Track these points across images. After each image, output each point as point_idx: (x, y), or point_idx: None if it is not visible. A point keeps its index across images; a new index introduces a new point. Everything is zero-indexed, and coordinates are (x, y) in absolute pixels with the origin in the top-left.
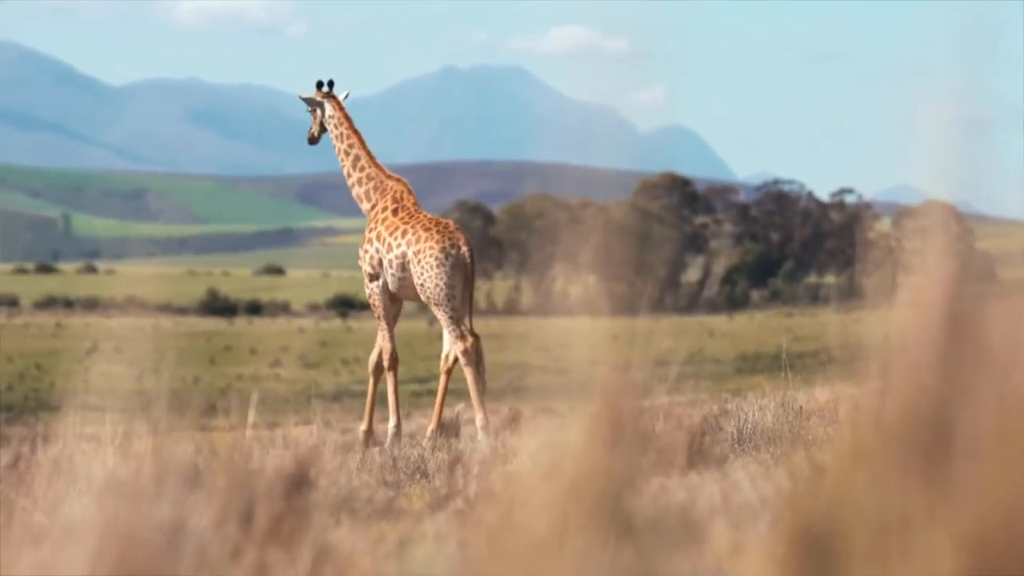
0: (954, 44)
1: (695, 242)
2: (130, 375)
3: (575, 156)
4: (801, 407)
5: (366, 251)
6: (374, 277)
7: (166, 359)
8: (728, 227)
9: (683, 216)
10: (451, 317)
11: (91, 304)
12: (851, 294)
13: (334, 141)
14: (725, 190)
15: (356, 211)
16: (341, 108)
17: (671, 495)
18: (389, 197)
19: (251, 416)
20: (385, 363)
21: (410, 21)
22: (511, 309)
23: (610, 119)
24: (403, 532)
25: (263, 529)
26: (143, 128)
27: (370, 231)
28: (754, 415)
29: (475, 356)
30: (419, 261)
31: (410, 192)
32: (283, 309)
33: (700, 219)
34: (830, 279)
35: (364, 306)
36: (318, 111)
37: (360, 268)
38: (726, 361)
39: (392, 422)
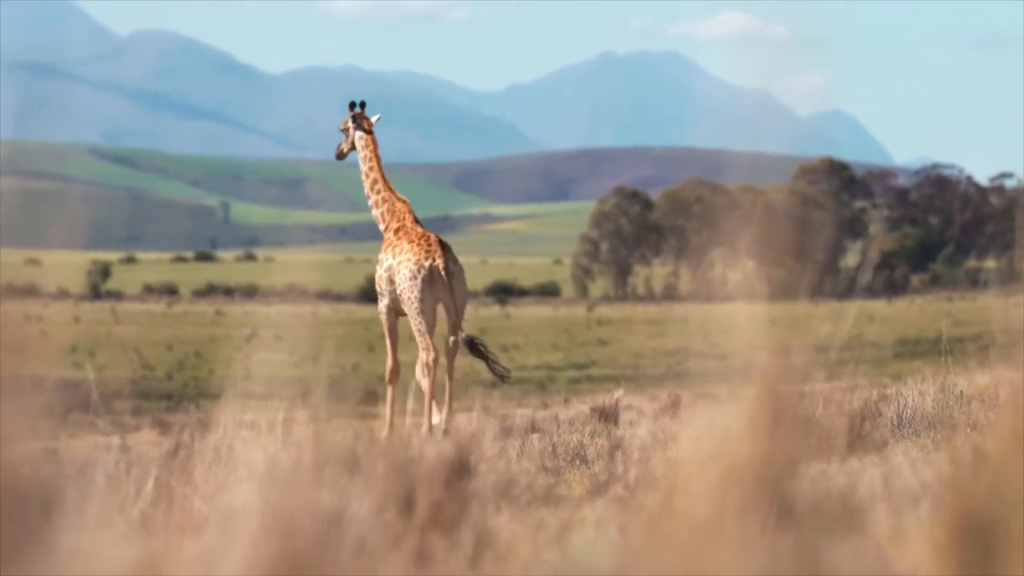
0: None
1: (854, 227)
2: (289, 362)
3: (734, 141)
4: (961, 392)
5: (376, 272)
6: (382, 297)
7: (325, 346)
8: (887, 212)
9: (842, 201)
10: (418, 328)
11: (250, 292)
12: (1011, 278)
13: (360, 162)
14: (884, 174)
15: (516, 198)
16: (370, 131)
17: (831, 480)
18: (395, 219)
19: (410, 403)
20: (387, 376)
21: (570, 7)
22: (670, 295)
23: (769, 105)
24: (563, 518)
25: (423, 516)
26: (302, 116)
27: (381, 253)
28: (914, 400)
29: (450, 362)
30: (398, 272)
31: (410, 211)
32: None
33: (859, 204)
34: (990, 263)
35: (523, 292)
36: (351, 130)
37: (377, 284)
38: (886, 346)
39: (384, 432)
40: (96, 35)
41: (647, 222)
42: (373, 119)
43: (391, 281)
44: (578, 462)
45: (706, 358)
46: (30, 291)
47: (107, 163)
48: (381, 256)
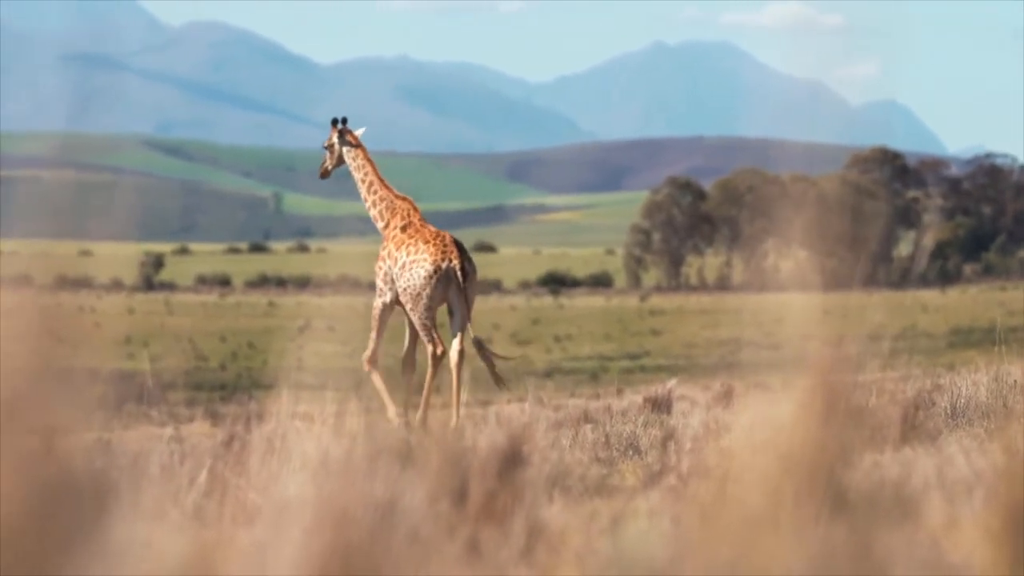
0: None
1: (906, 216)
2: (342, 353)
3: (787, 131)
4: (1015, 381)
5: (380, 268)
6: (383, 293)
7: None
8: (939, 201)
9: (895, 190)
10: (423, 324)
11: (303, 282)
12: None
13: (352, 172)
14: (936, 164)
15: (569, 188)
16: (357, 141)
17: (885, 470)
18: (399, 216)
19: (463, 393)
20: (364, 365)
21: None
22: (722, 285)
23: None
24: (616, 509)
25: (476, 506)
26: (354, 107)
27: (383, 248)
28: (968, 389)
29: (459, 363)
30: (412, 270)
31: (416, 209)
32: (494, 287)
33: (912, 193)
34: None
35: (576, 283)
36: (336, 146)
37: (377, 280)
38: (939, 336)
39: (391, 411)
40: (149, 27)
41: (700, 212)
42: (358, 132)
43: (401, 278)
44: (631, 452)
45: (759, 348)
46: (84, 283)
47: (159, 154)
48: (395, 253)
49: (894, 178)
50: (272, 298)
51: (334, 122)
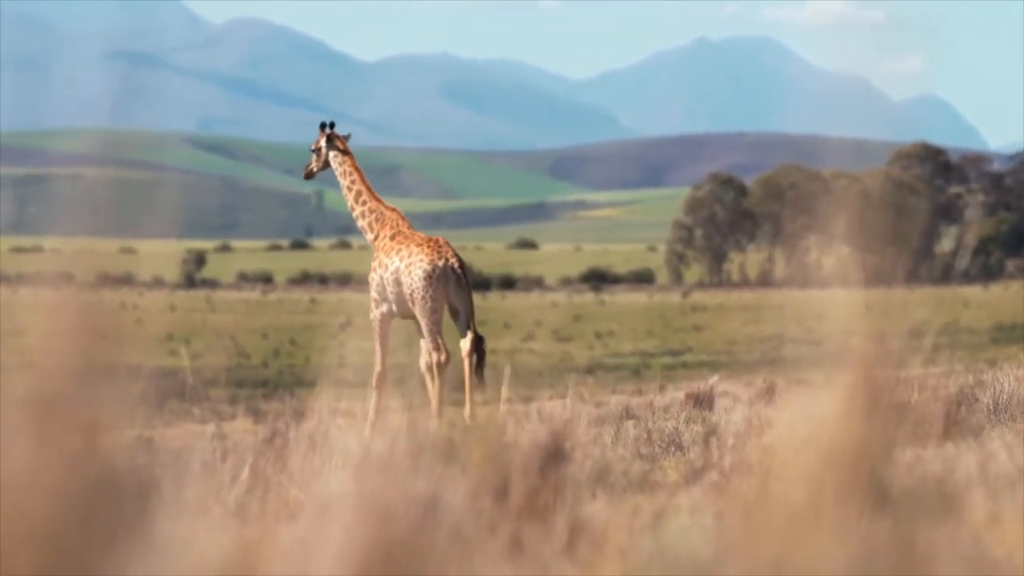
0: None
1: (948, 212)
2: None
3: (828, 127)
4: None
5: (371, 279)
6: (380, 303)
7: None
8: (981, 197)
9: (937, 186)
10: (430, 329)
11: (344, 279)
12: None
13: (339, 178)
14: (978, 159)
15: (610, 185)
16: (345, 147)
17: (927, 466)
18: (388, 226)
19: (505, 390)
20: (374, 380)
21: None
22: (764, 281)
23: (863, 90)
24: (658, 505)
25: (518, 503)
26: (395, 104)
27: (374, 259)
28: (1010, 385)
29: (469, 360)
30: (409, 273)
31: (403, 219)
32: (536, 283)
33: (954, 189)
34: None
35: (617, 279)
36: (323, 150)
37: (371, 291)
38: (981, 331)
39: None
40: (190, 24)
41: (741, 208)
42: (343, 135)
43: (398, 284)
44: (673, 449)
45: (801, 344)
46: (126, 280)
47: (201, 151)
48: (385, 260)
49: (936, 174)
50: (314, 295)
51: (322, 126)
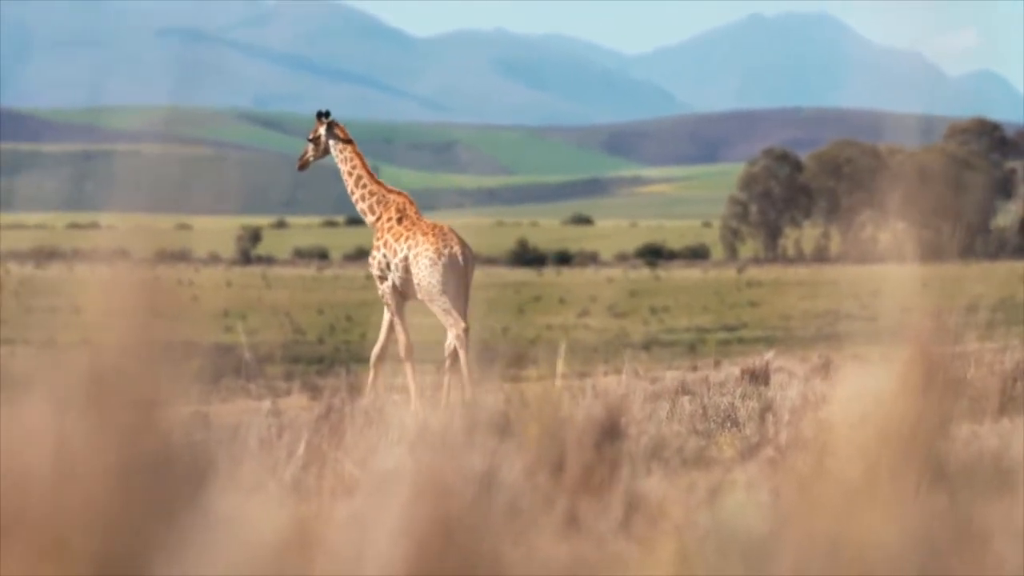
0: None
1: (1004, 187)
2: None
3: (883, 102)
4: None
5: (374, 257)
6: (383, 279)
7: (476, 310)
8: None
9: (992, 161)
10: (444, 309)
11: None
12: None
13: (339, 164)
14: None
15: (665, 160)
16: (346, 135)
17: (983, 441)
18: (393, 208)
19: (560, 366)
20: (402, 353)
21: None
22: (820, 256)
23: (918, 65)
24: (714, 481)
25: (574, 478)
26: (451, 80)
27: (378, 239)
28: None
29: (464, 349)
30: (417, 261)
31: (411, 203)
32: (591, 259)
33: (1010, 164)
34: None
35: (672, 255)
36: (322, 138)
37: (373, 269)
38: None
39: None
40: (246, 1)
41: (797, 184)
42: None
43: (407, 271)
44: (729, 424)
45: (856, 320)
46: (181, 256)
47: (257, 127)
48: (394, 245)
49: (992, 149)
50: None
51: (319, 115)
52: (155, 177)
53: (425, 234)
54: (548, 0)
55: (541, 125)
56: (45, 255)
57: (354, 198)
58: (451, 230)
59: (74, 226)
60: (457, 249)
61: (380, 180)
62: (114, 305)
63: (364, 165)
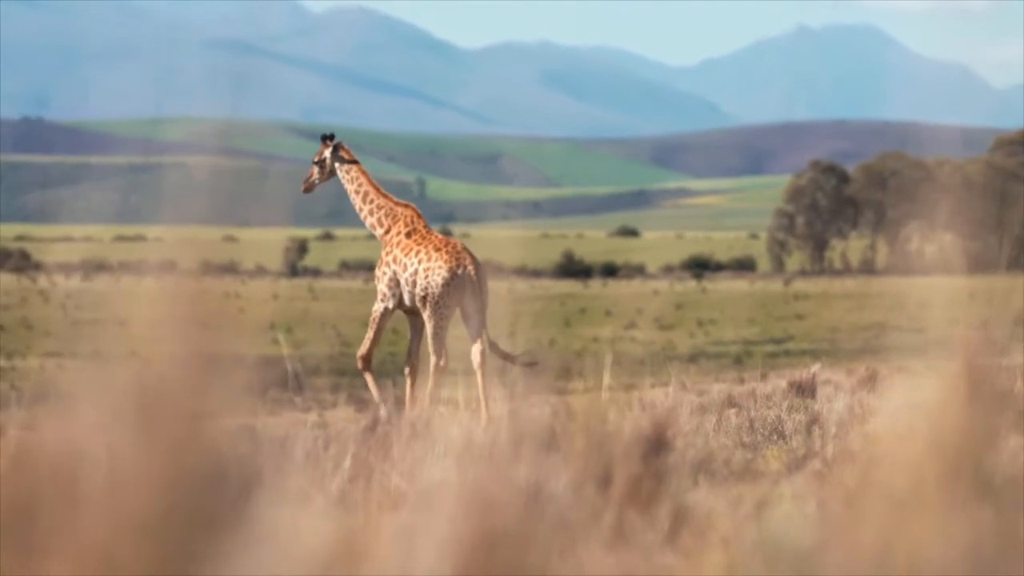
0: None
1: None
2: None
3: (930, 114)
4: None
5: (383, 272)
6: (386, 297)
7: (521, 322)
8: None
9: None
10: (436, 333)
11: None
12: None
13: (345, 184)
14: None
15: (712, 172)
16: (351, 156)
17: None
18: (401, 222)
19: (606, 378)
20: (358, 362)
21: None
22: (866, 268)
23: (965, 77)
24: (761, 493)
25: (621, 491)
26: (496, 92)
27: (387, 254)
28: None
29: (482, 366)
30: (427, 277)
31: (419, 216)
32: (638, 271)
33: None
34: None
35: (719, 267)
36: (327, 161)
37: (381, 284)
38: None
39: (382, 408)
40: (292, 13)
41: (843, 196)
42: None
43: (414, 285)
44: (775, 437)
45: (904, 332)
46: (229, 268)
47: (304, 140)
48: (403, 260)
49: None
50: None
51: (324, 138)
52: (203, 189)
53: (438, 250)
54: (594, 12)
55: (587, 137)
56: (93, 267)
57: (362, 215)
58: (463, 247)
59: (121, 238)
60: (471, 269)
61: (387, 193)
62: (161, 317)
63: (370, 181)
